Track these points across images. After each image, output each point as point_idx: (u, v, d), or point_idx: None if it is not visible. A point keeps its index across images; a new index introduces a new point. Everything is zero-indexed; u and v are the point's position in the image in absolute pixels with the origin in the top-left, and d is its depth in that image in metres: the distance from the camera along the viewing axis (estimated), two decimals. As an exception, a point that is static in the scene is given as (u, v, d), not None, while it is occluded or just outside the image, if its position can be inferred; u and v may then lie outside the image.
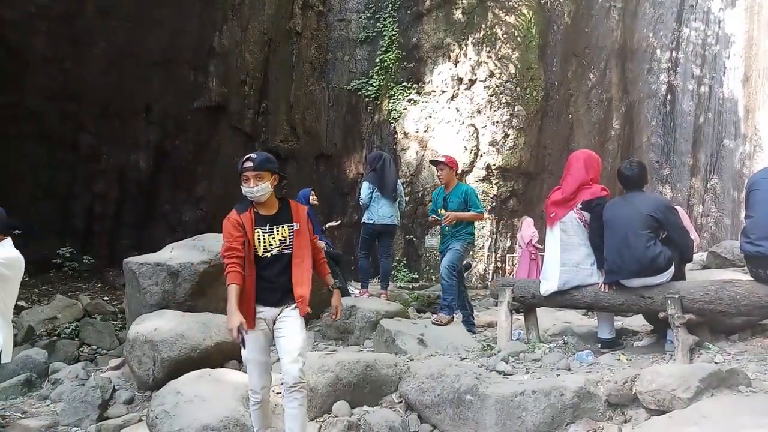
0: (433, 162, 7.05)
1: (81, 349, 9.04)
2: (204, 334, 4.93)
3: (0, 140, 10.67)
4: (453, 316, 6.45)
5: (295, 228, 3.59)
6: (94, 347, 9.19)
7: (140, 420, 4.36)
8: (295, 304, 3.53)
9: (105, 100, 12.12)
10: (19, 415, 4.80)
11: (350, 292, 7.86)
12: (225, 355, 5.04)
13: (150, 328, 4.93)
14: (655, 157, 20.72)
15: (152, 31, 12.58)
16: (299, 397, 3.41)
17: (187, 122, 13.44)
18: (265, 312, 3.52)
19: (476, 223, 14.90)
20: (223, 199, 13.95)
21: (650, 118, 20.94)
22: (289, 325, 3.51)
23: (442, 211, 6.55)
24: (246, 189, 3.51)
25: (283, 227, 3.58)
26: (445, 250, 6.56)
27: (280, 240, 3.55)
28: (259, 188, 3.49)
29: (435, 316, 6.55)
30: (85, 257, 11.71)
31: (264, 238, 3.53)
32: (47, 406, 5.13)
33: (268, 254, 3.52)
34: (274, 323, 3.54)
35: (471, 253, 14.60)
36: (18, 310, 9.83)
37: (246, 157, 3.55)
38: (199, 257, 5.86)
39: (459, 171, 6.97)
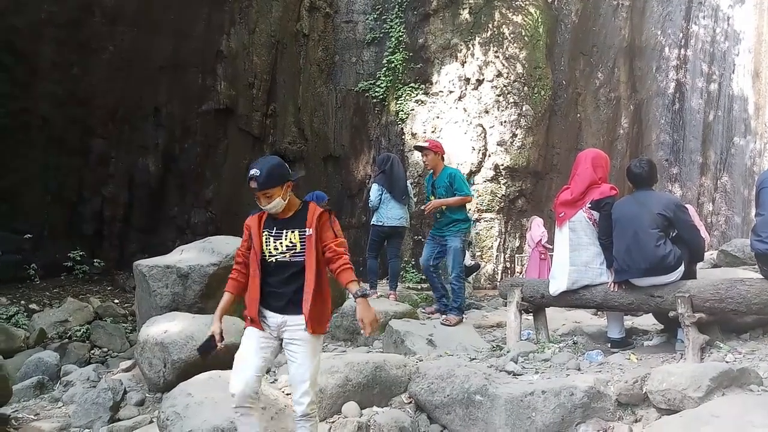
0: (417, 148, 6.94)
1: (92, 351, 9.12)
2: (214, 336, 4.94)
3: (11, 146, 10.76)
4: (462, 318, 6.42)
5: (307, 234, 3.32)
6: (105, 349, 9.26)
7: (151, 421, 4.39)
8: (303, 318, 3.27)
9: (113, 105, 12.20)
10: (32, 417, 4.84)
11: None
12: (234, 356, 5.05)
13: (160, 330, 4.96)
14: (664, 156, 20.59)
15: (159, 36, 12.65)
16: (308, 425, 3.35)
17: (196, 125, 13.51)
18: (269, 317, 3.36)
19: (484, 224, 15.02)
20: (231, 202, 14.01)
21: (659, 116, 20.82)
22: (300, 351, 3.29)
23: (432, 198, 6.52)
24: (261, 206, 3.38)
25: (293, 232, 3.35)
26: (439, 240, 6.47)
27: (287, 246, 3.32)
28: (271, 206, 3.33)
29: (444, 316, 6.52)
30: (95, 260, 11.79)
31: (270, 242, 3.36)
32: (59, 408, 5.16)
33: (273, 260, 3.33)
34: (280, 330, 3.35)
35: (480, 254, 14.58)
36: (30, 313, 9.93)
37: (250, 173, 3.31)
38: (209, 259, 5.88)
39: (443, 154, 6.82)
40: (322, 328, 3.36)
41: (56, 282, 11.34)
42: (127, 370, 5.60)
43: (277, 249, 3.33)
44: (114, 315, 10.28)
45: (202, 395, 3.97)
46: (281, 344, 3.40)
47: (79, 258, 11.61)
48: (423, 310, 6.36)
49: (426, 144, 6.68)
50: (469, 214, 7.16)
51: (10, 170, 10.78)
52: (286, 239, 3.34)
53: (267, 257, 3.34)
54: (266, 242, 3.36)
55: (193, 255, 6.05)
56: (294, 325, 3.29)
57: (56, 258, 11.42)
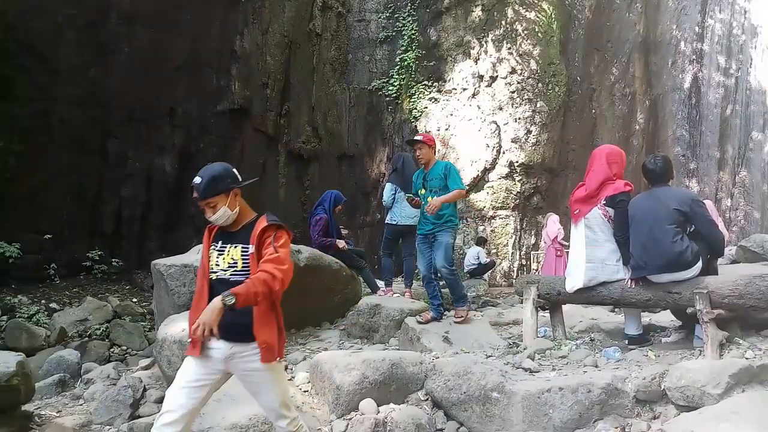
0: (410, 142, 6.65)
1: (111, 349, 9.24)
2: (231, 333, 4.99)
3: (31, 147, 10.92)
4: (470, 306, 6.32)
5: (250, 251, 2.94)
6: (124, 348, 9.38)
7: (171, 419, 4.42)
8: (256, 348, 2.89)
9: (131, 106, 12.34)
10: (54, 414, 4.91)
11: (378, 285, 7.90)
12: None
13: (179, 328, 5.00)
14: (681, 151, 20.43)
15: (175, 37, 12.77)
16: None
17: (211, 125, 13.62)
18: (214, 347, 2.93)
19: (499, 221, 14.97)
20: (247, 201, 14.07)
21: (675, 111, 20.65)
22: (260, 382, 2.98)
23: (423, 192, 6.26)
24: (206, 218, 3.02)
25: (236, 248, 2.97)
26: (428, 234, 6.18)
27: (229, 263, 2.96)
28: (216, 217, 2.98)
29: (454, 314, 6.36)
30: (113, 260, 11.94)
31: (213, 257, 3.02)
32: (81, 405, 5.24)
33: (215, 277, 2.98)
34: (228, 363, 2.94)
35: (495, 251, 14.54)
36: (50, 312, 10.08)
37: (193, 182, 2.98)
38: (226, 258, 5.92)
39: (437, 148, 6.60)
40: (277, 354, 2.97)
41: (76, 281, 11.50)
42: (147, 368, 5.68)
43: (218, 265, 2.99)
44: (132, 314, 10.41)
45: (220, 393, 4.00)
46: (227, 377, 3.07)
47: (98, 257, 11.76)
48: (419, 319, 6.14)
49: (419, 137, 6.43)
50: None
51: (32, 171, 10.94)
52: (228, 255, 2.98)
53: (211, 274, 3.00)
54: (211, 256, 3.02)
55: (210, 254, 6.09)
56: (245, 355, 2.91)
57: (76, 257, 11.58)
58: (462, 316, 6.10)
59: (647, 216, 4.72)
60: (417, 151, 6.34)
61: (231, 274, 2.94)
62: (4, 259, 10.42)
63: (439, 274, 6.27)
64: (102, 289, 11.45)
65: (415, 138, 6.46)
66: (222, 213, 2.97)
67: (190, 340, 2.97)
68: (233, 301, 2.68)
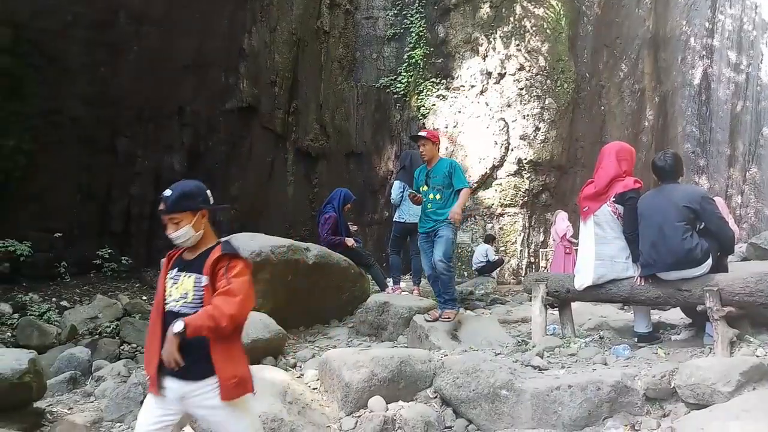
0: (414, 138, 6.60)
1: (121, 347, 9.27)
2: (241, 331, 5.01)
3: (42, 145, 10.98)
4: (458, 310, 6.15)
5: (203, 282, 2.71)
6: (134, 345, 9.41)
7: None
8: (209, 383, 2.66)
9: (139, 104, 12.38)
10: (66, 411, 4.95)
11: (387, 283, 7.92)
12: (261, 351, 5.12)
13: (188, 326, 5.03)
14: (690, 148, 20.32)
15: (183, 35, 12.80)
16: None
17: (219, 124, 13.66)
18: (168, 386, 2.71)
19: (508, 218, 14.94)
20: (255, 199, 14.15)
21: (685, 107, 20.52)
22: (223, 419, 2.72)
23: (425, 188, 6.17)
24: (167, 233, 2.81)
25: (189, 278, 2.75)
26: (429, 231, 6.08)
27: (181, 294, 2.74)
28: (176, 235, 2.76)
29: (441, 314, 6.05)
30: (123, 258, 11.99)
31: (168, 285, 2.81)
32: (92, 402, 5.28)
33: (167, 307, 2.77)
34: (183, 402, 2.72)
35: (504, 249, 14.52)
36: (61, 310, 10.15)
37: (162, 194, 2.81)
38: (234, 256, 5.94)
39: (444, 146, 6.57)
40: (241, 389, 2.71)
41: (86, 279, 11.56)
42: (157, 365, 5.70)
43: (171, 296, 2.77)
44: (142, 311, 10.45)
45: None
46: (189, 417, 2.87)
47: (107, 256, 11.82)
48: (427, 317, 5.99)
49: (423, 133, 6.39)
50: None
51: (42, 170, 11.00)
52: (181, 285, 2.76)
53: (166, 304, 2.79)
54: (167, 286, 2.81)
55: (219, 252, 6.11)
56: (200, 393, 2.67)
57: (86, 256, 11.64)
58: (448, 318, 5.91)
59: (657, 213, 4.70)
60: (420, 147, 6.31)
61: (181, 306, 2.72)
62: (15, 258, 10.49)
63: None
64: (112, 287, 11.51)
65: (419, 134, 6.43)
66: (185, 231, 2.76)
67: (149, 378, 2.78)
68: (182, 327, 2.51)
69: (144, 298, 11.21)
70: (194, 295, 2.72)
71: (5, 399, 4.21)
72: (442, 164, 6.21)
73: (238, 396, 2.69)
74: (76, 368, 6.63)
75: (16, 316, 9.57)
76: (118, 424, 4.66)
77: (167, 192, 2.77)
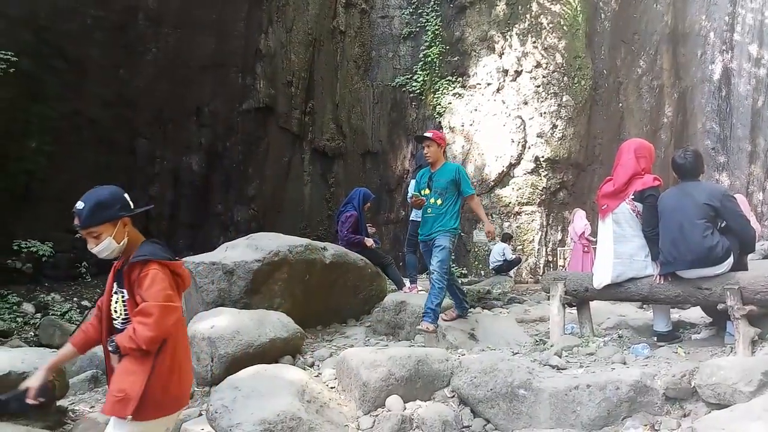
0: (419, 138, 6.26)
1: (140, 346, 9.36)
2: (259, 330, 5.04)
3: (62, 147, 11.14)
4: (437, 325, 5.64)
5: (125, 297, 2.54)
6: (154, 344, 9.50)
7: (200, 414, 4.49)
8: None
9: (158, 106, 12.51)
10: (88, 409, 5.01)
11: (404, 282, 7.93)
12: (279, 350, 5.15)
13: (207, 325, 5.07)
14: (710, 144, 20.04)
15: (201, 36, 12.92)
16: None
17: (237, 124, 13.76)
18: None
19: (525, 217, 14.86)
20: (273, 198, 14.24)
21: (705, 103, 20.25)
22: None
23: (427, 192, 5.92)
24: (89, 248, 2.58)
25: (118, 293, 2.60)
26: (427, 239, 5.85)
27: (114, 309, 2.61)
28: (98, 249, 2.55)
29: (455, 313, 5.98)
30: (143, 258, 12.12)
31: (112, 300, 2.64)
32: (112, 401, 5.34)
33: (117, 323, 2.61)
34: None
35: (521, 247, 14.44)
36: (82, 309, 10.29)
37: (74, 207, 2.57)
38: (252, 256, 5.98)
39: (445, 147, 6.21)
40: (119, 408, 2.38)
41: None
42: (176, 364, 5.76)
43: (117, 311, 2.62)
44: (162, 311, 10.56)
45: (249, 389, 4.05)
46: None
47: (128, 256, 11.96)
48: (444, 317, 5.84)
49: (429, 134, 6.09)
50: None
51: (63, 170, 11.16)
52: (114, 300, 2.62)
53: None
54: (112, 299, 2.65)
55: (237, 252, 6.16)
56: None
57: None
58: (428, 329, 5.49)
59: (677, 211, 4.65)
60: (425, 149, 6.02)
61: (119, 323, 2.58)
62: (37, 258, 10.66)
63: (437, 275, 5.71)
64: (132, 287, 11.65)
65: (425, 134, 6.16)
66: (106, 245, 2.54)
67: None
68: (115, 347, 2.40)
69: (163, 297, 11.32)
70: (123, 310, 2.56)
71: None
72: (447, 168, 5.98)
73: (114, 413, 2.40)
74: (97, 367, 6.71)
75: (38, 315, 9.73)
76: (139, 422, 4.72)
77: (79, 204, 2.52)
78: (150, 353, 2.41)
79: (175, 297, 2.49)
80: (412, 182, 7.71)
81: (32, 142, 10.92)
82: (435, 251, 5.71)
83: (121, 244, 2.57)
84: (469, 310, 6.39)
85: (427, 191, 5.94)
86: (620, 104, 17.27)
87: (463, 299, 6.16)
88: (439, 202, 5.85)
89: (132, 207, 2.65)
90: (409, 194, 7.72)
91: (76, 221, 2.53)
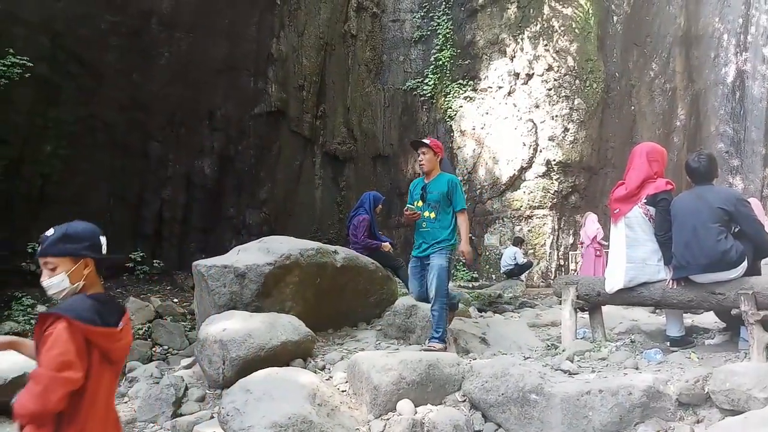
0: (415, 144, 5.78)
1: (153, 349, 9.43)
2: (270, 333, 5.06)
3: (77, 150, 11.24)
4: (446, 347, 5.37)
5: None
6: (166, 347, 9.57)
7: (212, 417, 4.52)
8: None
9: (171, 109, 12.59)
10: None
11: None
12: (290, 354, 5.16)
13: (219, 328, 5.10)
14: (724, 148, 19.86)
15: (213, 41, 13.00)
16: None
17: (249, 128, 13.83)
18: None
19: (537, 220, 14.80)
20: (284, 202, 14.28)
21: (718, 106, 20.09)
22: None
23: (420, 204, 5.56)
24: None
25: None
26: (421, 255, 5.52)
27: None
28: (48, 283, 2.31)
29: (427, 344, 5.40)
30: (155, 261, 12.20)
31: None
32: (125, 402, 5.38)
33: None
34: None
35: (532, 251, 14.39)
36: (94, 312, 10.37)
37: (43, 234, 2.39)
38: (264, 259, 6.01)
39: (442, 156, 5.78)
40: None
41: (119, 282, 11.79)
42: (188, 367, 5.79)
43: None
44: (173, 314, 10.62)
45: (260, 392, 4.07)
46: None
47: (139, 259, 12.04)
48: (424, 347, 5.38)
49: (427, 141, 5.67)
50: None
51: (78, 174, 11.26)
52: None
53: None
54: None
55: (249, 255, 6.19)
56: None
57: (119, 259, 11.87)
58: (434, 349, 5.19)
59: (690, 215, 4.62)
60: (420, 156, 5.63)
61: None
62: (51, 261, 10.75)
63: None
64: (144, 290, 11.71)
65: (422, 140, 5.74)
66: (58, 280, 2.29)
67: None
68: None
69: (175, 300, 11.40)
70: None
71: (43, 399, 4.30)
72: (442, 179, 5.57)
73: None
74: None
75: (52, 317, 9.81)
76: (151, 424, 4.75)
77: (50, 231, 2.35)
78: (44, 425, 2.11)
79: (75, 366, 2.11)
80: None
81: (48, 146, 11.04)
82: (431, 275, 5.32)
83: (75, 285, 2.31)
84: (481, 314, 6.31)
85: (420, 203, 5.59)
86: (632, 107, 17.18)
87: (437, 337, 5.39)
88: (432, 215, 5.51)
89: (103, 251, 2.41)
90: None
91: (38, 246, 2.34)
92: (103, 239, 2.42)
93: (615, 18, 16.52)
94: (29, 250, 10.48)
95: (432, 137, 15.75)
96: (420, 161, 5.65)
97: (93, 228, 2.43)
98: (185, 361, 6.11)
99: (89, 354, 2.19)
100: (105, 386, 2.28)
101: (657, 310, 7.12)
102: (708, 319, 5.98)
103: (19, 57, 9.93)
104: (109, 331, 2.27)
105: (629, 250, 5.00)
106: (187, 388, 5.15)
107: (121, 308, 2.44)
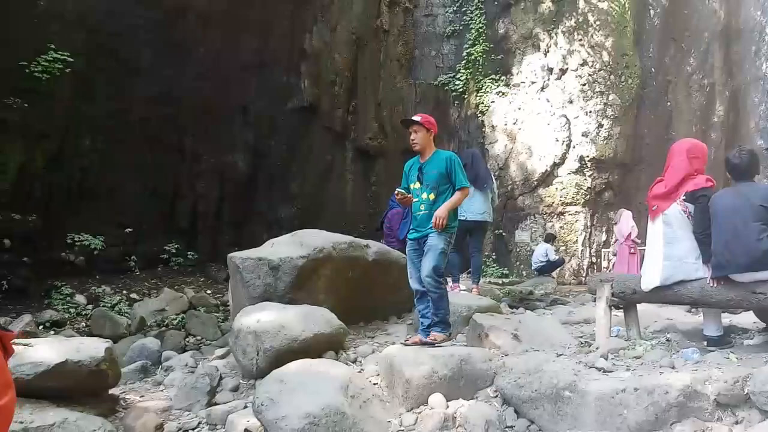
0: (405, 122, 5.43)
1: (187, 339, 9.62)
2: (303, 325, 5.11)
3: (112, 145, 11.49)
4: (450, 334, 5.17)
5: None
6: (199, 337, 9.75)
7: (245, 407, 4.58)
8: None
9: (204, 104, 12.76)
10: (138, 398, 5.17)
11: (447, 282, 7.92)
12: (323, 346, 5.21)
13: (253, 319, 5.17)
14: (764, 144, 19.31)
15: (246, 35, 13.11)
16: None
17: (281, 123, 13.93)
18: None
19: (569, 217, 14.65)
20: (315, 197, 14.37)
21: (758, 102, 19.54)
22: None
23: (417, 185, 5.19)
24: None
25: None
26: (418, 238, 5.14)
27: None
28: None
29: (420, 337, 5.07)
30: (189, 253, 12.42)
31: None
32: (161, 391, 5.50)
33: None
34: None
35: (564, 248, 14.23)
36: (131, 302, 10.61)
37: None
38: (298, 252, 6.07)
39: (435, 134, 5.37)
40: None
41: (154, 273, 12.04)
42: (222, 357, 5.89)
43: None
44: (207, 305, 10.81)
45: (294, 382, 4.12)
46: None
47: (174, 251, 12.27)
48: (406, 341, 5.14)
49: (417, 118, 5.27)
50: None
51: (114, 168, 11.51)
52: None
53: None
54: None
55: (283, 248, 6.26)
56: None
57: (154, 250, 12.11)
58: (436, 339, 4.95)
59: (731, 213, 4.52)
60: (412, 135, 5.25)
61: None
62: (89, 251, 11.03)
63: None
64: (178, 281, 11.93)
65: (412, 119, 5.34)
66: None
67: None
68: None
69: (209, 292, 11.59)
70: None
71: (84, 385, 4.43)
72: (438, 157, 5.20)
73: None
74: (147, 358, 6.93)
75: (90, 307, 10.07)
76: (186, 412, 4.84)
77: None
78: None
79: None
80: None
81: (86, 140, 11.30)
82: (426, 255, 4.98)
83: None
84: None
85: (417, 185, 5.20)
86: (668, 103, 16.83)
87: (438, 321, 5.09)
88: (431, 197, 5.10)
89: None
90: None
91: None
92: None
93: (652, 12, 16.20)
94: (68, 241, 10.78)
95: (463, 132, 15.79)
96: (412, 140, 5.27)
97: None
98: (219, 351, 6.21)
99: None
100: None
101: (693, 309, 6.99)
102: (746, 319, 5.84)
103: (60, 53, 10.16)
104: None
105: (667, 248, 4.90)
106: (221, 378, 5.23)
107: None
